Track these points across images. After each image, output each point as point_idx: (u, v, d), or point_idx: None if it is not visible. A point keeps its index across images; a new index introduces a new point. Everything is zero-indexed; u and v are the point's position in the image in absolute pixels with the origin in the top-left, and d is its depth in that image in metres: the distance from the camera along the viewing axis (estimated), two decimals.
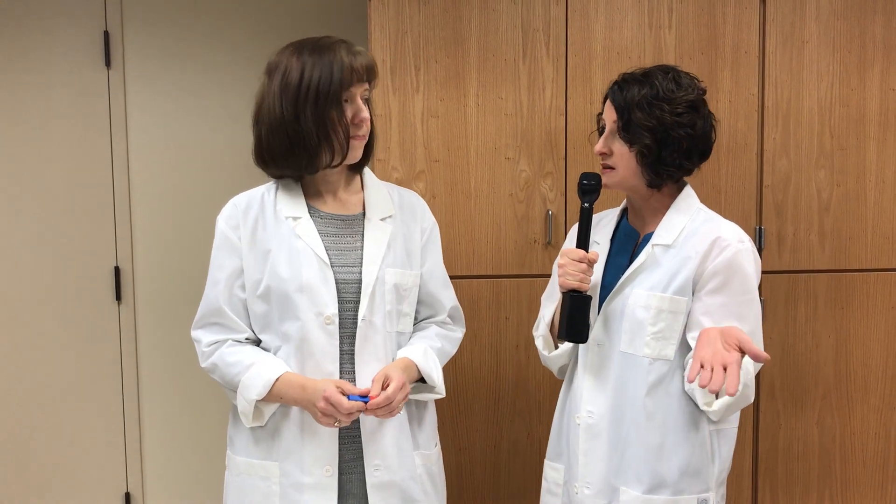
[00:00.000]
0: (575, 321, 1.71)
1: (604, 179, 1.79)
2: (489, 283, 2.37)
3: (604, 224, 1.91)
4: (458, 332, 1.94)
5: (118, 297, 3.07)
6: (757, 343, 1.69)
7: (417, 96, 2.32)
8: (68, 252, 3.02)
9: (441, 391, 1.82)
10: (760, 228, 2.37)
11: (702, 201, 1.86)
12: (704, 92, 1.77)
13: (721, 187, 2.36)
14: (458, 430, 2.41)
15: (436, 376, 1.79)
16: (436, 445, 1.89)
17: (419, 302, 1.86)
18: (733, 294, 1.68)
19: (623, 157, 1.74)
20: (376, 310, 1.74)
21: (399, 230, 1.81)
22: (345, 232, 1.78)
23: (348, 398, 1.63)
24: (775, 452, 2.44)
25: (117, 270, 3.06)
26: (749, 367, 1.62)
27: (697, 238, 1.72)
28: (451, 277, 1.95)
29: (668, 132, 1.69)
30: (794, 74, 2.35)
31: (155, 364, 3.11)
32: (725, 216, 2.41)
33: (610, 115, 1.76)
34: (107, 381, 3.08)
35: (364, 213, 1.80)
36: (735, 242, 1.70)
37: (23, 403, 3.03)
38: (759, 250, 2.37)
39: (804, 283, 2.39)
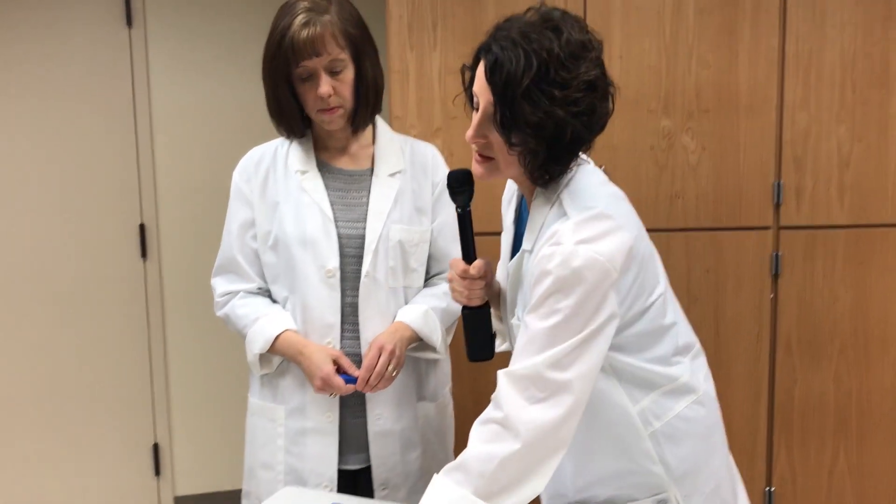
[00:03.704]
0: (476, 339, 1.51)
1: (479, 171, 1.40)
2: None
3: (508, 198, 1.61)
4: None
5: (143, 254, 3.13)
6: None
7: (435, 53, 2.32)
8: (93, 210, 3.08)
9: (442, 353, 1.82)
10: (779, 183, 2.36)
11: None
12: (601, 50, 1.32)
13: (739, 142, 2.34)
14: (477, 383, 2.44)
15: (436, 338, 1.79)
16: (442, 396, 1.92)
17: (430, 257, 1.86)
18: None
19: (503, 150, 1.32)
20: (379, 265, 1.76)
21: (408, 185, 1.82)
22: (352, 187, 1.80)
23: (344, 378, 1.69)
24: (791, 406, 2.45)
25: (142, 227, 3.11)
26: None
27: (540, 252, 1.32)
28: None
29: (560, 127, 1.26)
30: (815, 26, 2.32)
31: (181, 319, 3.18)
32: (744, 171, 2.38)
33: (485, 95, 1.30)
34: (134, 337, 3.16)
35: (373, 169, 1.82)
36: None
37: (52, 359, 3.11)
38: (778, 205, 2.36)
39: (822, 238, 2.38)
